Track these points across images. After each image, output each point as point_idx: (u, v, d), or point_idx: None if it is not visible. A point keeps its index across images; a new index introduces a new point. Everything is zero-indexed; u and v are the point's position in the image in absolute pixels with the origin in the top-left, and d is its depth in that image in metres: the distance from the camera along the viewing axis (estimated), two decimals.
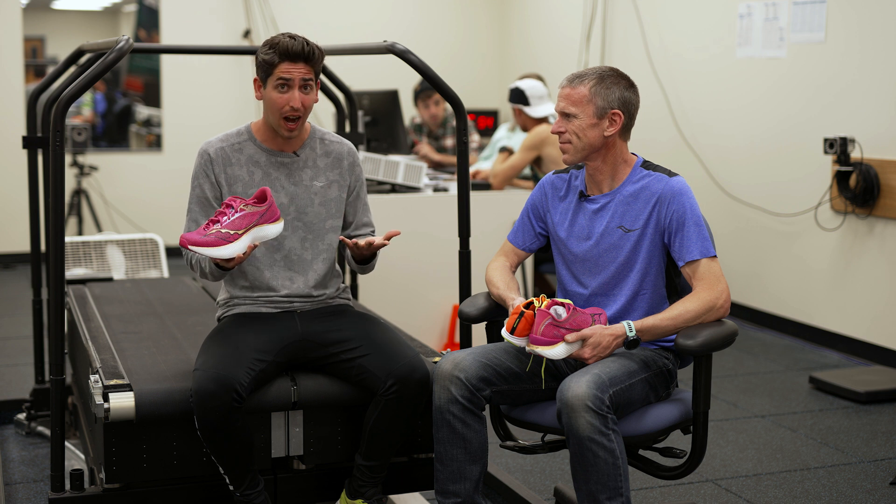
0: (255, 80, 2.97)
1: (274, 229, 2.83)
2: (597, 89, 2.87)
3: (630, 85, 2.92)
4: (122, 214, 8.21)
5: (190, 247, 2.73)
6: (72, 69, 4.16)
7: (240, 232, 2.76)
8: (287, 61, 2.88)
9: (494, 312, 3.06)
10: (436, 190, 5.31)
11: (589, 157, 2.92)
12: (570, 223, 3.00)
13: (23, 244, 7.43)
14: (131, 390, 2.80)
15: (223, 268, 2.85)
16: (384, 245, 2.92)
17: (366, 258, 3.04)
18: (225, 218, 2.77)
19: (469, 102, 6.92)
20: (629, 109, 2.91)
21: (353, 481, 2.97)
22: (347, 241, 2.94)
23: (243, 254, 2.77)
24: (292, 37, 2.90)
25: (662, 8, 7.07)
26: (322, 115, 7.88)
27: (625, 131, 2.92)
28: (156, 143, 8.41)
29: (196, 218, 2.99)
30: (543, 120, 5.63)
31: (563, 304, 2.77)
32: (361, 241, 2.93)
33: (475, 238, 3.57)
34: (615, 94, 2.88)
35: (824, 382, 4.99)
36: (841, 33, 5.64)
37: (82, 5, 8.92)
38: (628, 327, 2.79)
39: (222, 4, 8.34)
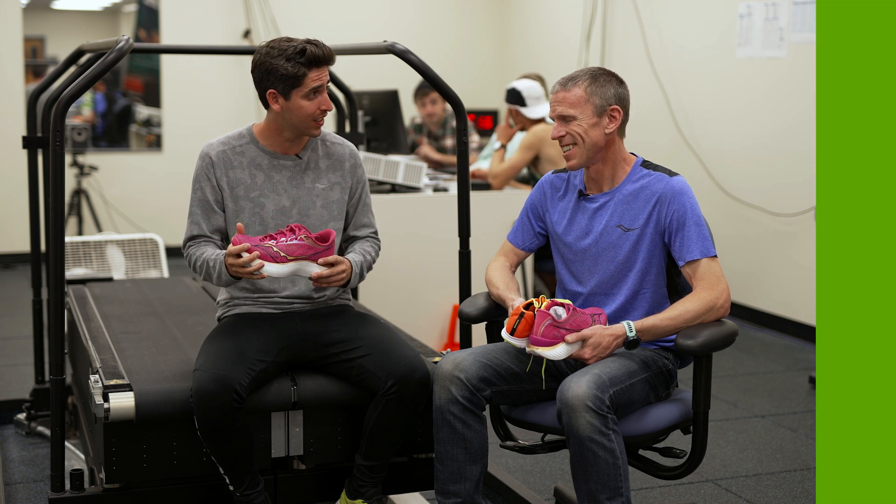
0: (269, 94, 2.93)
1: (318, 270, 2.84)
2: (592, 88, 2.88)
3: (620, 82, 2.94)
4: (122, 214, 8.21)
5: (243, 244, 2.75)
6: (72, 69, 4.15)
7: (289, 258, 2.78)
8: (315, 68, 2.89)
9: (494, 312, 3.06)
10: (436, 190, 5.30)
11: (593, 158, 2.92)
12: (569, 222, 3.00)
13: (23, 244, 7.43)
14: (131, 390, 2.80)
15: (233, 275, 2.84)
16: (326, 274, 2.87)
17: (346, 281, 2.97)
18: (283, 239, 2.79)
19: (469, 102, 6.89)
20: (624, 105, 2.92)
21: (353, 481, 2.97)
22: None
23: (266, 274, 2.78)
24: (312, 42, 2.90)
25: (662, 8, 7.07)
26: None
27: (621, 128, 2.93)
28: (156, 144, 8.41)
29: (197, 221, 2.99)
30: (541, 120, 5.59)
31: (562, 305, 2.77)
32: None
33: (475, 238, 3.57)
34: (610, 91, 2.89)
35: None
36: None
37: (82, 5, 8.92)
38: (628, 327, 2.79)
39: (222, 4, 8.34)
